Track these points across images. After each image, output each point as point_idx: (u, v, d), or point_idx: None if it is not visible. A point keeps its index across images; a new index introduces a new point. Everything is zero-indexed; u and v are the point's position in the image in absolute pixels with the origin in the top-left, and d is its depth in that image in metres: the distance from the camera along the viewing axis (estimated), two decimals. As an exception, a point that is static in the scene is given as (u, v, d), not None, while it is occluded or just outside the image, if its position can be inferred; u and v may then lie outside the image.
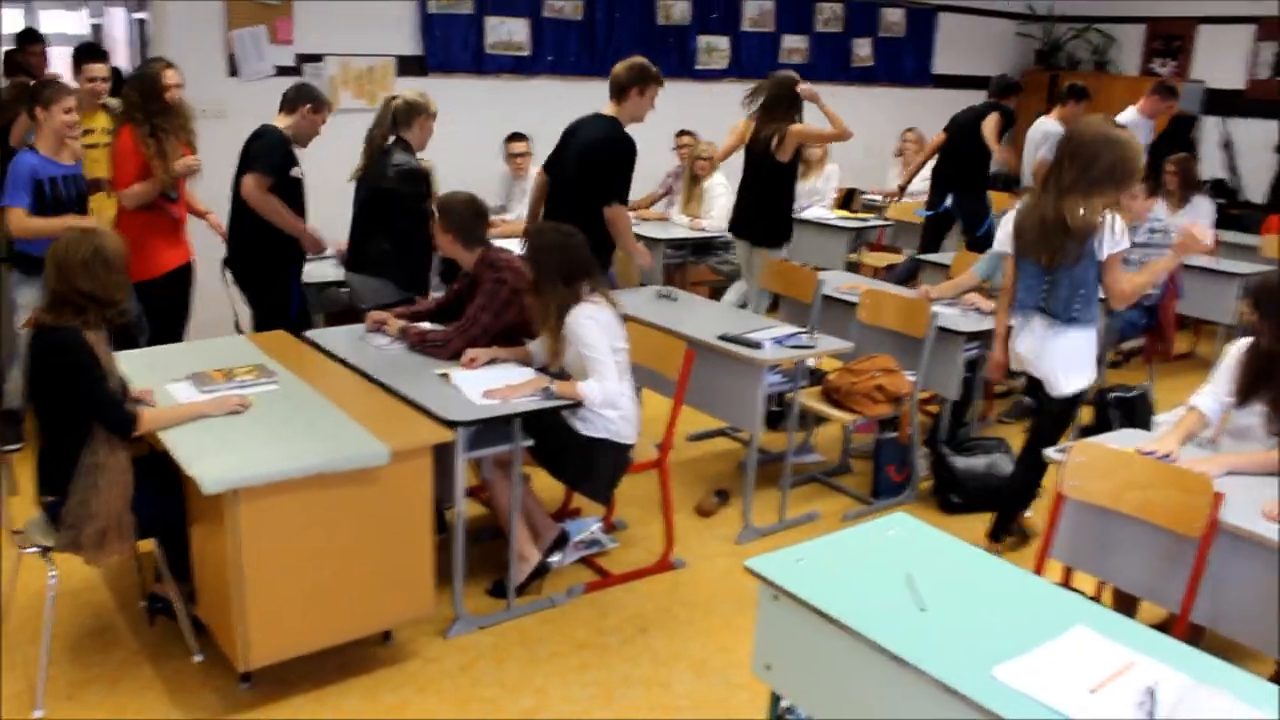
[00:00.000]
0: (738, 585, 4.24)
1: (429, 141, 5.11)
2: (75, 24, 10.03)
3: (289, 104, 5.10)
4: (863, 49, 10.18)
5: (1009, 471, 5.09)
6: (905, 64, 10.51)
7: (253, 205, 4.90)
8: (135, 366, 3.83)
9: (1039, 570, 3.36)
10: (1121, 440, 3.64)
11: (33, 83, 5.11)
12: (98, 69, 5.43)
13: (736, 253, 6.79)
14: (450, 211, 4.32)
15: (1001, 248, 4.49)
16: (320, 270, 5.53)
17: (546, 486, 4.47)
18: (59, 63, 6.93)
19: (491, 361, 4.12)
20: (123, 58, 8.81)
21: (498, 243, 4.50)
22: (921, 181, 8.98)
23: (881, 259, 8.14)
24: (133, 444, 3.34)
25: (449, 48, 7.74)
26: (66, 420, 3.26)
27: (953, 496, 5.03)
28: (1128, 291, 4.15)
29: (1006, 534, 4.68)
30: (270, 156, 4.94)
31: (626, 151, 5.19)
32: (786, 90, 6.14)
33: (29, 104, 4.84)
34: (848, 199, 8.35)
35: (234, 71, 6.83)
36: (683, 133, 7.92)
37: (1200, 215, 7.42)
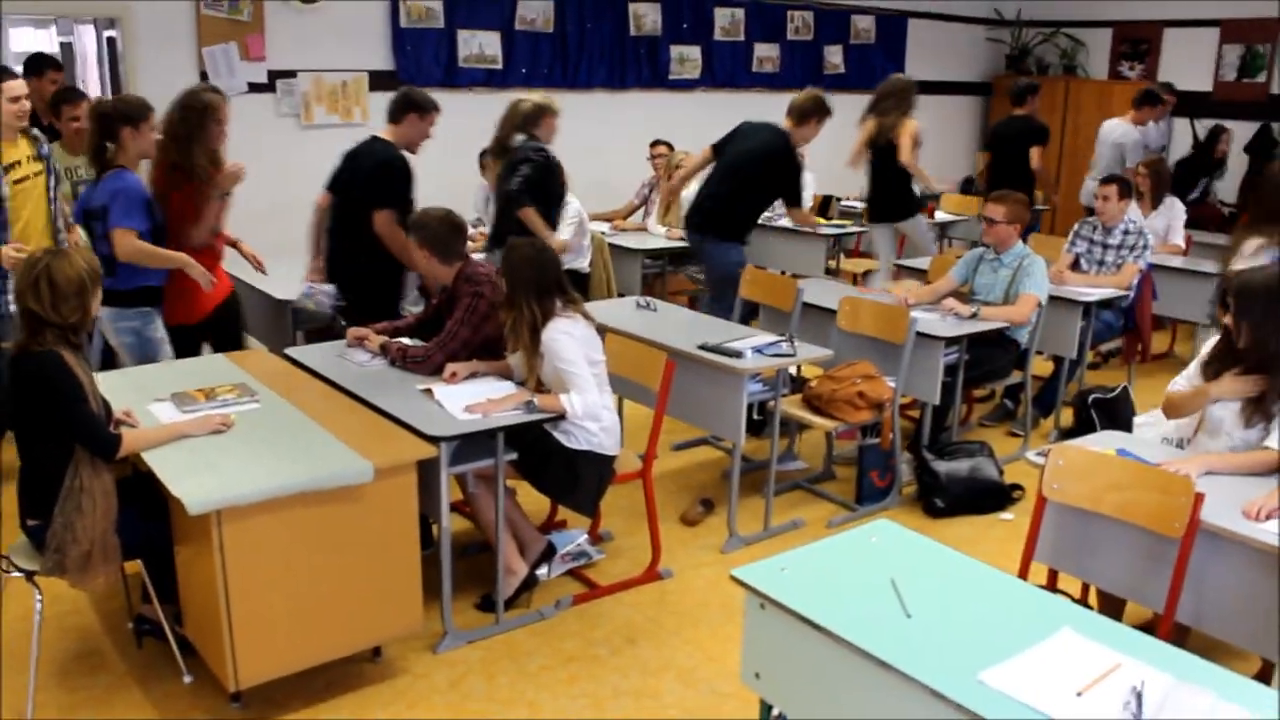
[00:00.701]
0: (724, 594, 4.25)
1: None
2: (44, 42, 9.98)
3: (396, 114, 5.17)
4: (834, 56, 10.26)
5: (992, 474, 5.13)
6: (877, 70, 10.53)
7: (386, 241, 4.98)
8: (116, 387, 3.82)
9: (1024, 573, 3.39)
10: (1102, 442, 3.68)
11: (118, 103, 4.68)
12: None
13: (874, 242, 7.79)
14: (425, 227, 4.33)
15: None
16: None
17: (532, 499, 4.48)
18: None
19: (472, 375, 4.13)
20: (93, 76, 8.78)
21: (476, 257, 4.51)
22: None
23: (859, 265, 8.20)
24: (116, 466, 3.33)
25: (420, 61, 7.76)
26: (49, 443, 3.25)
27: (937, 501, 5.06)
28: None
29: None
30: (398, 189, 5.04)
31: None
32: (896, 90, 7.34)
33: (118, 125, 4.49)
34: (824, 206, 8.40)
35: (207, 89, 6.81)
36: (657, 143, 7.95)
37: (1174, 215, 7.50)
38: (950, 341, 5.10)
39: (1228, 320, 3.56)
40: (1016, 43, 11.55)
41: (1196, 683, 2.20)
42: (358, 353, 4.42)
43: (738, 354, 4.50)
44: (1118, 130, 8.66)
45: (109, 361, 5.23)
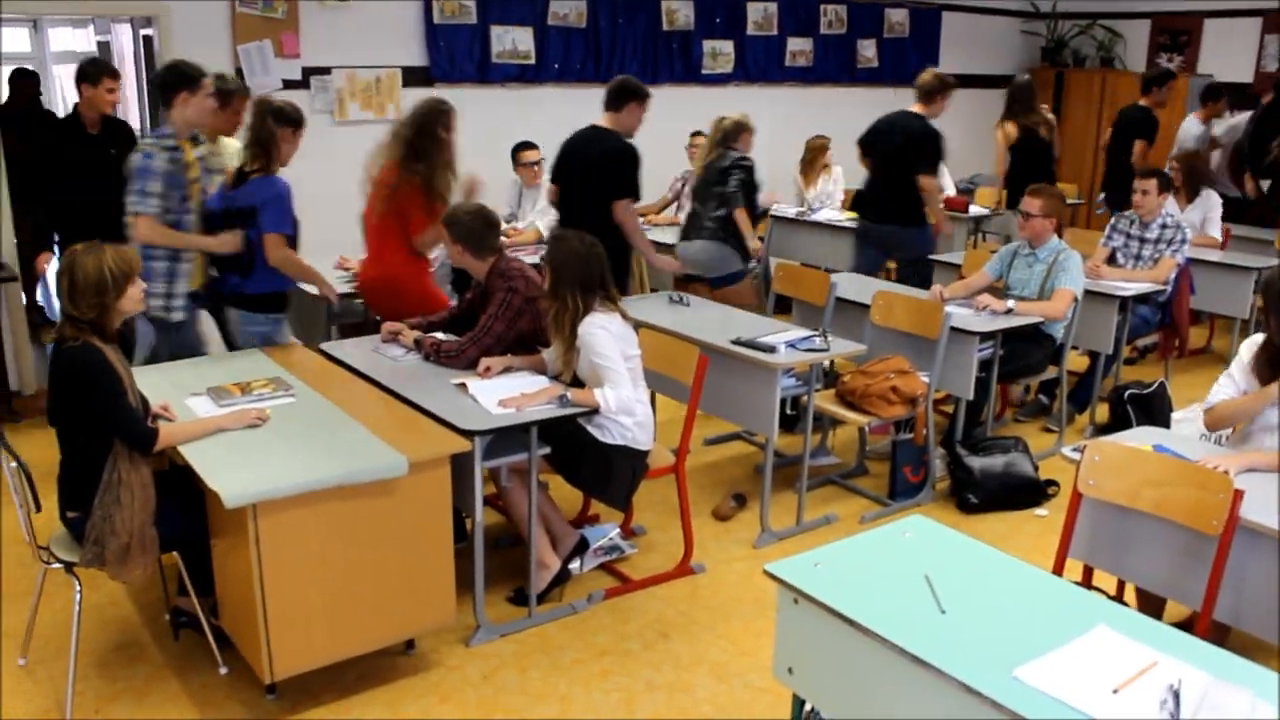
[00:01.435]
0: (757, 589, 4.25)
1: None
2: (81, 41, 10.09)
3: (617, 101, 5.54)
4: (867, 50, 10.19)
5: (1027, 470, 5.10)
6: (910, 64, 10.46)
7: (626, 228, 5.47)
8: (154, 381, 3.86)
9: (1059, 570, 3.36)
10: (1138, 438, 3.65)
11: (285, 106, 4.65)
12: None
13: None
14: (458, 222, 4.34)
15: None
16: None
17: (564, 494, 4.49)
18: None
19: (506, 370, 4.14)
20: (129, 74, 8.87)
21: (512, 252, 4.52)
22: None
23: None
24: (154, 459, 3.37)
25: (454, 58, 7.78)
26: (88, 437, 3.28)
27: (970, 496, 5.03)
28: None
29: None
30: (634, 179, 5.49)
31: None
32: (1020, 88, 7.87)
33: (278, 127, 4.49)
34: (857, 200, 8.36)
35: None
36: (698, 134, 7.91)
37: (1210, 208, 7.42)
38: (985, 337, 5.07)
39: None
40: (1052, 35, 11.44)
41: (1234, 681, 2.17)
42: (392, 348, 4.44)
43: (771, 349, 4.49)
44: (1186, 129, 8.65)
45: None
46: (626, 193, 5.51)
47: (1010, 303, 5.31)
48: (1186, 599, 3.28)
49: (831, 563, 2.66)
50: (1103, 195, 8.69)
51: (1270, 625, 3.13)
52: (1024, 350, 5.38)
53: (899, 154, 6.65)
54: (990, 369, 5.23)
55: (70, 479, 3.37)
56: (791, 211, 8.20)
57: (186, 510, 3.42)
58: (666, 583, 4.33)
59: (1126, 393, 5.59)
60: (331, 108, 7.34)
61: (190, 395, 3.80)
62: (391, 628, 3.56)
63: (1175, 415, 4.05)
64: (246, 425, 3.52)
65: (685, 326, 4.82)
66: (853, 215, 8.18)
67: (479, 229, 4.33)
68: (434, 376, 4.13)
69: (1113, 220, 6.44)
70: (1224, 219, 7.55)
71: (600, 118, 5.66)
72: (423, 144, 4.78)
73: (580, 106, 8.19)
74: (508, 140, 7.31)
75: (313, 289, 4.93)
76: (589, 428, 3.94)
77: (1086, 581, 3.59)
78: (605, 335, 3.89)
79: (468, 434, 3.58)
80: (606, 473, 3.98)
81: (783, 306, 6.01)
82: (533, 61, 8.18)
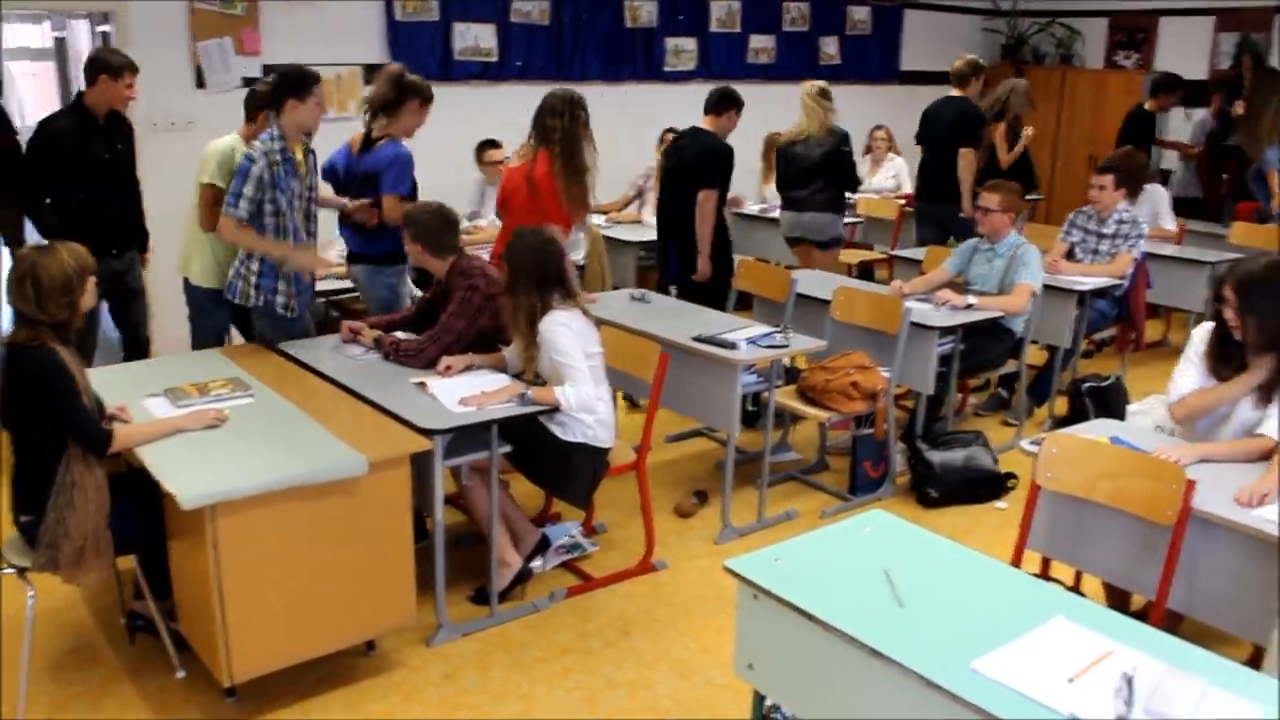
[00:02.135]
0: (718, 585, 4.25)
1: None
2: (37, 37, 9.94)
3: (718, 107, 6.05)
4: (830, 47, 10.22)
5: (986, 463, 5.13)
6: (872, 61, 10.56)
7: (706, 213, 5.84)
8: (110, 382, 3.82)
9: (1017, 561, 3.38)
10: (1095, 430, 3.68)
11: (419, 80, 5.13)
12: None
13: None
14: (417, 221, 4.33)
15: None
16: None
17: (525, 492, 4.48)
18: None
19: (467, 369, 4.13)
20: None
21: (473, 250, 4.51)
22: (889, 179, 9.06)
23: (853, 255, 8.20)
24: (109, 461, 3.33)
25: (416, 55, 7.72)
26: (41, 438, 3.24)
27: (930, 490, 5.06)
28: None
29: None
30: (723, 171, 5.94)
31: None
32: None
33: (406, 98, 4.96)
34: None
35: (200, 83, 6.80)
36: (669, 131, 7.87)
37: (1157, 201, 7.53)
38: (945, 331, 5.10)
39: (1229, 313, 3.51)
40: (1012, 32, 11.52)
41: (1188, 669, 2.20)
42: (352, 347, 4.42)
43: (732, 345, 4.50)
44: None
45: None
46: (713, 183, 5.92)
47: (970, 298, 5.35)
48: (1142, 588, 3.32)
49: (791, 558, 2.67)
50: None
51: (1222, 613, 3.17)
52: (984, 345, 5.41)
53: (948, 137, 7.17)
54: (950, 364, 5.26)
55: (23, 482, 3.32)
56: (754, 208, 8.21)
57: (143, 512, 3.38)
58: (628, 580, 4.33)
59: (1084, 386, 5.64)
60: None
61: (148, 396, 3.76)
62: (352, 628, 3.54)
63: (1131, 408, 4.08)
64: (204, 426, 3.49)
65: (646, 324, 4.83)
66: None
67: (438, 228, 4.31)
68: (394, 376, 4.10)
69: (1071, 216, 6.49)
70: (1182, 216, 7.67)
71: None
72: (578, 141, 5.03)
73: (542, 103, 8.20)
74: (470, 138, 7.28)
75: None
76: (550, 426, 3.93)
77: (1045, 573, 3.62)
78: (566, 332, 3.88)
79: (428, 433, 3.57)
80: (567, 471, 3.98)
81: (744, 303, 6.02)
82: (495, 59, 8.14)
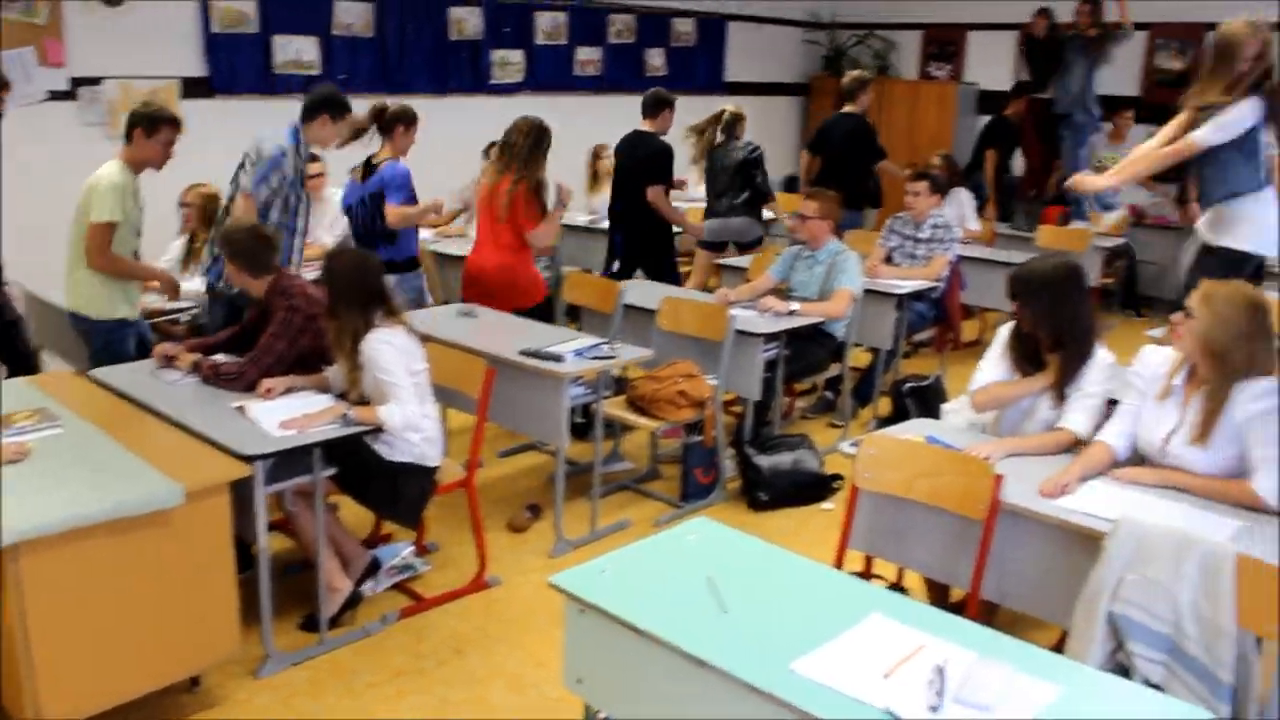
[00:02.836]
0: (552, 599, 4.17)
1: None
2: None
3: (654, 109, 6.76)
4: (655, 59, 10.35)
5: (813, 466, 5.26)
6: (698, 72, 10.72)
7: (660, 208, 6.67)
8: (-100, 418, 3.61)
9: (839, 562, 3.49)
10: (912, 430, 3.81)
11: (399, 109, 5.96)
12: None
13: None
14: (233, 241, 4.23)
15: None
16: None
17: (355, 514, 4.40)
18: None
19: (289, 391, 4.04)
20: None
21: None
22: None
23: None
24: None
25: (235, 68, 7.53)
26: None
27: (760, 494, 5.16)
28: None
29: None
30: (668, 169, 6.73)
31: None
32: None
33: (395, 124, 5.86)
34: None
35: (-1, 97, 6.48)
36: (493, 145, 7.82)
37: (962, 204, 7.90)
38: (769, 338, 5.21)
39: (1017, 311, 3.74)
40: (832, 44, 11.87)
41: (996, 657, 2.31)
42: (168, 372, 4.26)
43: (558, 358, 4.51)
44: None
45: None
46: (660, 180, 6.71)
47: (793, 304, 5.48)
48: (959, 581, 3.44)
49: (617, 570, 2.69)
50: None
51: (1032, 600, 3.32)
52: (807, 350, 5.55)
53: (845, 150, 7.80)
54: (775, 369, 5.37)
55: None
56: (581, 219, 8.24)
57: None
58: (461, 598, 4.29)
59: (905, 386, 5.82)
60: (104, 120, 6.99)
61: (-57, 432, 3.56)
62: (173, 665, 3.40)
63: (945, 406, 4.24)
64: (6, 462, 3.32)
65: (472, 339, 4.79)
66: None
67: (254, 247, 4.22)
68: (213, 400, 3.98)
69: (889, 222, 6.72)
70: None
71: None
72: (533, 156, 5.58)
73: (366, 117, 8.07)
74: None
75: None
76: (376, 446, 3.87)
77: (867, 571, 3.74)
78: (389, 350, 3.83)
79: (248, 458, 3.47)
80: (395, 491, 3.92)
81: (573, 314, 6.04)
82: (318, 71, 7.98)
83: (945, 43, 11.28)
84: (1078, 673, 2.37)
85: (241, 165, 5.12)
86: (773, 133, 11.50)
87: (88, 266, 4.69)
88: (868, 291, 5.87)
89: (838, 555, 3.51)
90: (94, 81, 6.91)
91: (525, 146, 5.56)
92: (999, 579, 3.31)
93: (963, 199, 8.03)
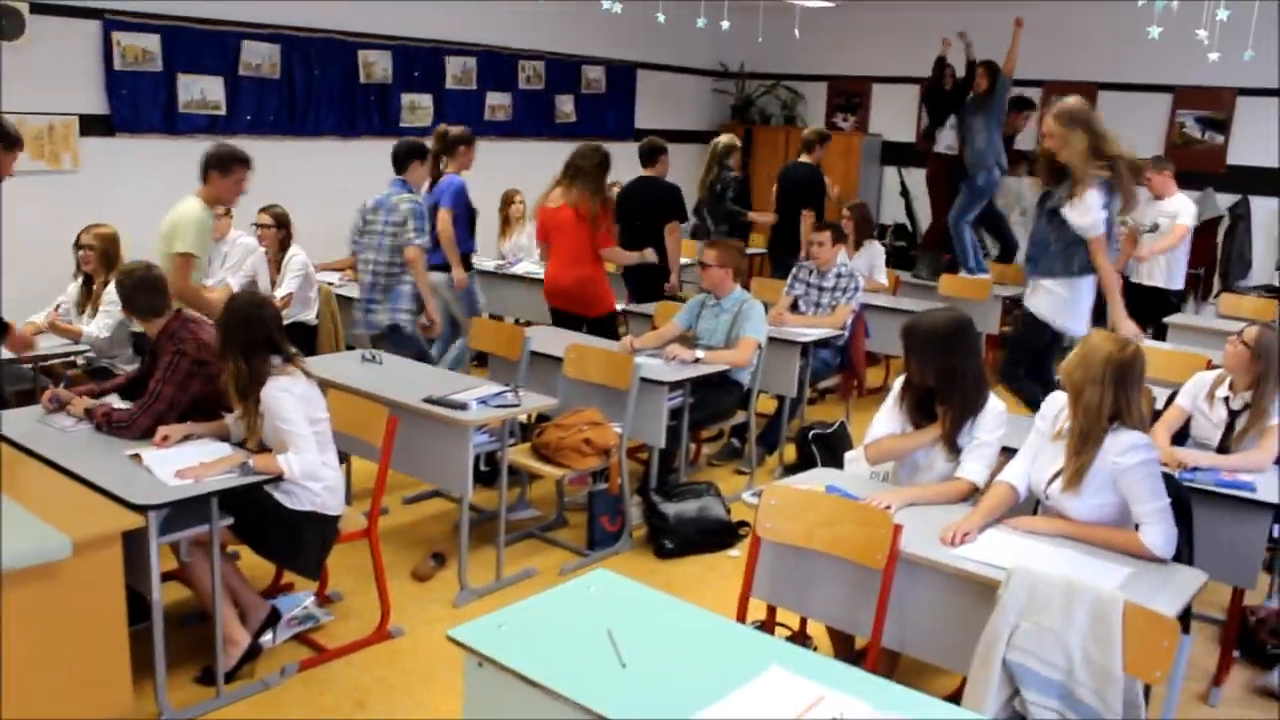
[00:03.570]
0: (456, 650, 4.16)
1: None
2: None
3: (651, 157, 7.18)
4: (565, 105, 10.43)
5: (719, 513, 5.28)
6: (608, 119, 10.82)
7: (674, 244, 7.04)
8: None
9: (741, 613, 3.50)
10: (813, 479, 3.86)
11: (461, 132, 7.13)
12: None
13: None
14: (121, 285, 4.16)
15: None
16: None
17: (256, 562, 4.31)
18: None
19: (186, 438, 3.95)
20: None
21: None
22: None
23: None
24: None
25: (138, 106, 7.42)
26: None
27: (666, 542, 5.16)
28: None
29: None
30: (683, 207, 7.16)
31: None
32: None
33: (457, 145, 7.02)
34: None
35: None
36: None
37: (874, 256, 8.05)
38: (674, 385, 5.24)
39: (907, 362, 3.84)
40: (741, 94, 12.06)
41: (890, 709, 2.33)
42: (60, 417, 4.15)
43: (462, 406, 4.49)
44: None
45: None
46: (679, 217, 7.13)
47: (698, 352, 5.52)
48: (861, 630, 3.47)
49: (516, 623, 2.67)
50: None
51: (931, 648, 3.37)
52: (713, 397, 5.59)
53: (795, 198, 8.18)
54: (681, 416, 5.40)
55: None
56: (490, 264, 8.23)
57: None
58: (364, 649, 4.22)
59: (811, 433, 5.89)
60: (-6, 157, 6.84)
61: None
62: (59, 723, 3.30)
63: (848, 455, 4.30)
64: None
65: (376, 385, 4.75)
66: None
67: (138, 291, 4.15)
68: (106, 448, 3.88)
69: (794, 270, 6.82)
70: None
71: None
72: (600, 179, 6.22)
73: (274, 158, 7.99)
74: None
75: None
76: (276, 494, 3.80)
77: (770, 620, 3.76)
78: (288, 398, 3.78)
79: (141, 508, 3.39)
80: (295, 541, 3.86)
81: (481, 360, 6.02)
82: (223, 112, 7.91)
83: (851, 94, 11.54)
84: (972, 724, 2.41)
85: (374, 230, 6.04)
86: (680, 179, 11.58)
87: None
88: (773, 339, 5.94)
89: (740, 605, 3.52)
90: (-14, 116, 6.75)
91: (593, 171, 6.15)
92: (900, 627, 3.35)
93: (875, 250, 8.18)
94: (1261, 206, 9.53)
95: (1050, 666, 2.92)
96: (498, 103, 9.81)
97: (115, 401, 4.20)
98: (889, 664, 3.58)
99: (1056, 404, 3.60)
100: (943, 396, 3.76)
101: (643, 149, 7.27)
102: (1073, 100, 5.21)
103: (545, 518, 5.58)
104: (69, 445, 3.89)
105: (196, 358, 4.06)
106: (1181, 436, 4.51)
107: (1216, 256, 9.58)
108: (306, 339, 6.49)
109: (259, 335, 3.84)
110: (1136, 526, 3.31)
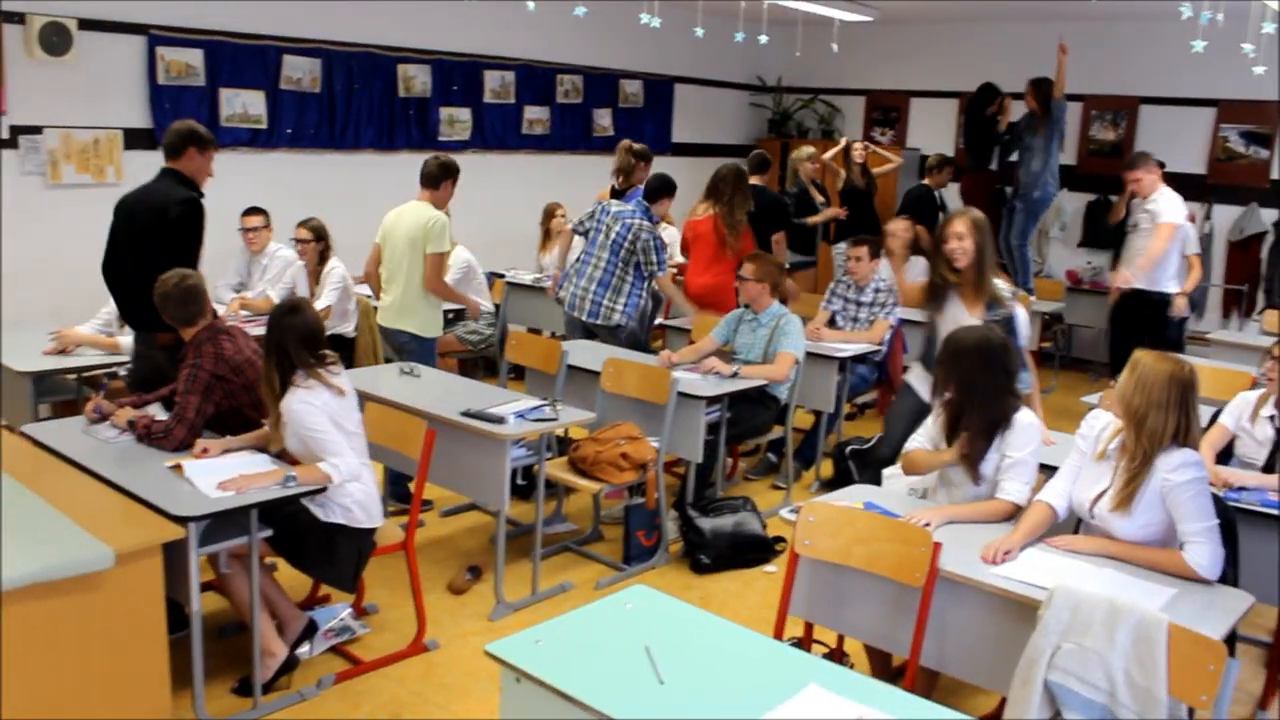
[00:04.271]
0: (491, 664, 4.12)
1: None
2: None
3: (760, 168, 7.58)
4: (603, 119, 10.44)
5: (755, 529, 5.26)
6: (646, 133, 10.81)
7: (779, 252, 7.23)
8: None
9: (779, 630, 3.48)
10: (852, 495, 3.84)
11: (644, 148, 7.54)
12: None
13: None
14: (156, 292, 4.18)
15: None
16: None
17: (293, 574, 4.33)
18: None
19: (226, 451, 3.98)
20: None
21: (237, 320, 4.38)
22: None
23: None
24: None
25: (180, 120, 7.47)
26: None
27: (702, 557, 5.15)
28: None
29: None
30: (787, 216, 7.74)
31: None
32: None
33: (638, 160, 7.40)
34: None
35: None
36: None
37: (918, 275, 7.97)
38: (712, 400, 5.23)
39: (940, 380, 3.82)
40: (778, 108, 12.04)
41: (928, 730, 2.31)
42: (104, 428, 4.19)
43: (500, 419, 4.49)
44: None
45: None
46: (785, 227, 7.44)
47: (735, 366, 5.51)
48: (898, 648, 3.45)
49: (553, 638, 2.67)
50: None
51: (970, 667, 3.34)
52: (750, 412, 5.58)
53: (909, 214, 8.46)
54: (718, 431, 5.39)
55: None
56: (527, 278, 8.25)
57: None
58: (399, 662, 4.23)
59: (848, 449, 5.88)
60: (43, 170, 6.93)
61: None
62: (100, 732, 3.33)
63: (885, 472, 4.28)
64: (-70, 520, 3.25)
65: (414, 399, 4.77)
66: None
67: (176, 299, 4.16)
68: (148, 459, 3.91)
69: (832, 285, 6.81)
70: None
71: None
72: (739, 194, 6.70)
73: (313, 172, 8.07)
74: (236, 206, 7.08)
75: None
76: (311, 507, 3.82)
77: (808, 637, 3.74)
78: (309, 409, 3.79)
79: (181, 520, 3.41)
80: (330, 554, 3.87)
81: (519, 373, 6.03)
82: (264, 125, 7.97)
83: (888, 108, 11.49)
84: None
85: (625, 247, 6.32)
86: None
87: (426, 289, 5.66)
88: (810, 354, 5.92)
89: (778, 622, 3.51)
90: (34, 130, 6.85)
91: (731, 187, 6.65)
92: (939, 646, 3.33)
93: (920, 267, 8.09)
94: (1306, 222, 9.40)
95: (1092, 688, 2.88)
96: (536, 116, 9.83)
97: (157, 413, 4.24)
98: (927, 683, 3.55)
99: (1098, 423, 3.56)
100: (964, 413, 3.74)
101: (752, 160, 7.62)
102: None
103: (581, 531, 5.58)
104: (111, 456, 3.93)
105: (214, 371, 4.09)
106: (1225, 456, 4.45)
107: (1260, 272, 9.44)
108: (344, 352, 6.53)
109: (284, 344, 3.86)
110: (1181, 546, 3.26)
